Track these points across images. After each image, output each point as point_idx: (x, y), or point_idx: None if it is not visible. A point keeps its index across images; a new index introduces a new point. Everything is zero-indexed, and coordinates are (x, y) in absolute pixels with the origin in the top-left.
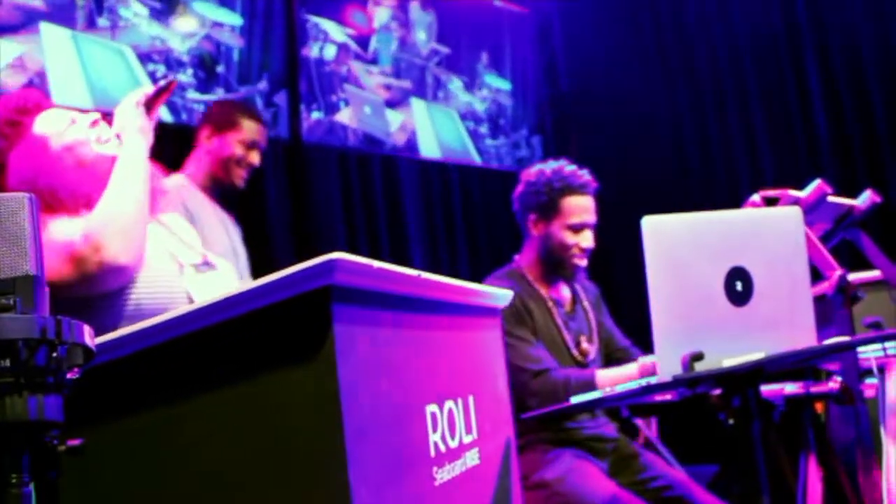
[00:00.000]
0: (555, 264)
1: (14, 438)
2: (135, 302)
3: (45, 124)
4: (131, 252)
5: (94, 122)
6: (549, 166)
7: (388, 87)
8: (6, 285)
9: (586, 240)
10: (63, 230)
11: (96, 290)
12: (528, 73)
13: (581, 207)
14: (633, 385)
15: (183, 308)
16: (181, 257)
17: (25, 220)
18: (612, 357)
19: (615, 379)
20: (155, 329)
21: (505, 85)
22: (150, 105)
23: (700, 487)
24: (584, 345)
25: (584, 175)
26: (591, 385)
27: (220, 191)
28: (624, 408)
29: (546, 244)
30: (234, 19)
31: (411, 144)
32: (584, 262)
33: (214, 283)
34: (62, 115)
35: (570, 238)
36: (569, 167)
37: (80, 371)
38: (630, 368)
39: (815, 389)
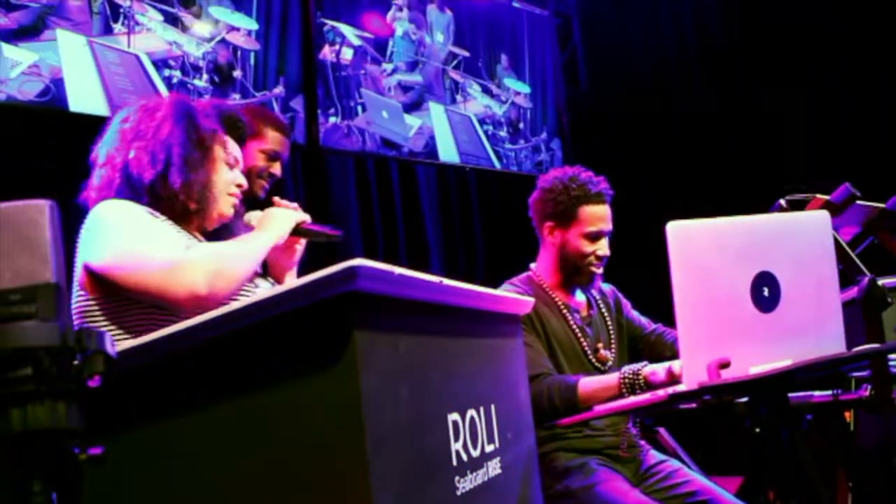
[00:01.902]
0: (571, 272)
1: (36, 447)
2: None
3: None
4: (220, 296)
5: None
6: (566, 173)
7: (405, 91)
8: (27, 293)
9: (603, 248)
10: (169, 249)
11: (176, 308)
12: (548, 76)
13: (598, 216)
14: (661, 392)
15: (203, 316)
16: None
17: (46, 227)
18: (644, 343)
19: (596, 389)
20: (176, 336)
21: (524, 88)
22: (300, 233)
23: (725, 494)
24: (602, 352)
25: (601, 182)
26: (572, 391)
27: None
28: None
29: (562, 252)
30: (249, 24)
31: (429, 149)
32: (600, 270)
33: None
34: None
35: (587, 246)
36: (585, 174)
37: (101, 379)
38: (611, 378)
39: (844, 397)
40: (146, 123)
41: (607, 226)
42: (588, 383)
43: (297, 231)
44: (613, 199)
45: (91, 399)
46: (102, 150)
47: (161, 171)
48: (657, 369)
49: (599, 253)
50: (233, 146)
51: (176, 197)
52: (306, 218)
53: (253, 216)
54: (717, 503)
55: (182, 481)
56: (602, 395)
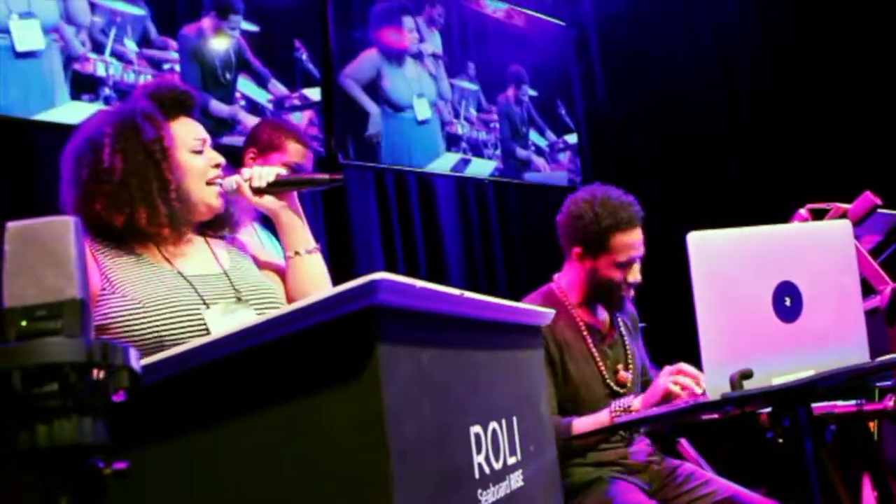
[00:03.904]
0: (599, 296)
1: (62, 462)
2: (156, 336)
3: None
4: None
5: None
6: (595, 196)
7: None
8: (53, 309)
9: (634, 275)
10: None
11: None
12: (565, 88)
13: (630, 244)
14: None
15: (226, 329)
16: (210, 294)
17: (71, 243)
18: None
19: (588, 427)
20: (198, 351)
21: (541, 99)
22: (282, 185)
23: (746, 490)
24: (622, 373)
25: (633, 205)
26: (567, 432)
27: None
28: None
29: (592, 277)
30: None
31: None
32: (630, 295)
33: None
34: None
35: (617, 275)
36: (615, 197)
37: (125, 394)
38: (602, 415)
39: (868, 407)
40: (98, 163)
41: (639, 252)
42: (581, 424)
43: (278, 184)
44: None
45: (115, 413)
46: (68, 195)
47: (128, 212)
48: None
49: (630, 280)
50: (186, 127)
51: (148, 228)
52: (280, 171)
53: (232, 180)
54: (740, 499)
55: (205, 496)
56: (596, 433)
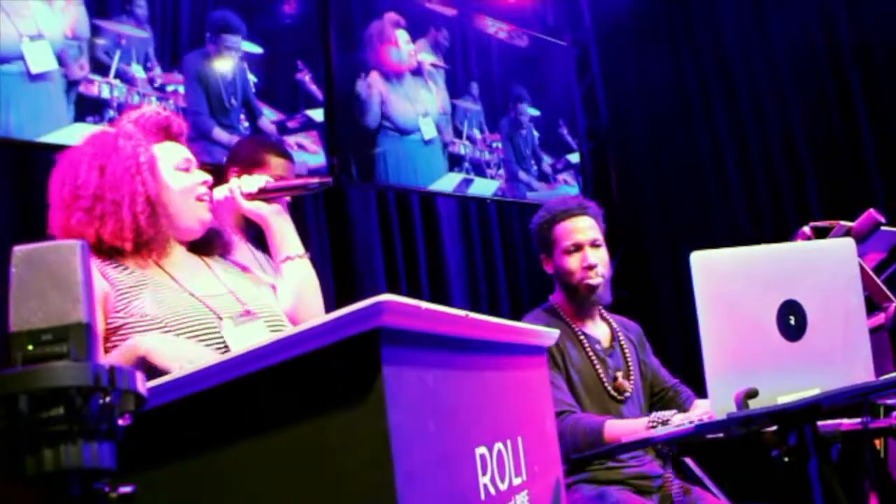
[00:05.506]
0: (574, 293)
1: (68, 487)
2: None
3: None
4: None
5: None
6: (546, 204)
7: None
8: (59, 333)
9: (587, 258)
10: None
11: None
12: (568, 107)
13: (569, 229)
14: (686, 423)
15: (230, 353)
16: (220, 309)
17: (77, 267)
18: (659, 397)
19: (622, 434)
20: (203, 374)
21: (544, 119)
22: (271, 192)
23: None
24: (621, 381)
25: (574, 199)
26: (598, 432)
27: (253, 230)
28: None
29: (559, 278)
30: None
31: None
32: (596, 280)
33: (254, 334)
34: None
35: (570, 262)
36: (560, 198)
37: (131, 417)
38: (638, 423)
39: (874, 425)
40: (76, 180)
41: (583, 235)
42: (614, 427)
43: (270, 190)
44: (637, 227)
45: (121, 437)
46: (55, 217)
47: (98, 225)
48: (690, 419)
49: (584, 263)
50: (170, 148)
51: (113, 241)
52: (268, 178)
53: (224, 188)
54: None
55: None
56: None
